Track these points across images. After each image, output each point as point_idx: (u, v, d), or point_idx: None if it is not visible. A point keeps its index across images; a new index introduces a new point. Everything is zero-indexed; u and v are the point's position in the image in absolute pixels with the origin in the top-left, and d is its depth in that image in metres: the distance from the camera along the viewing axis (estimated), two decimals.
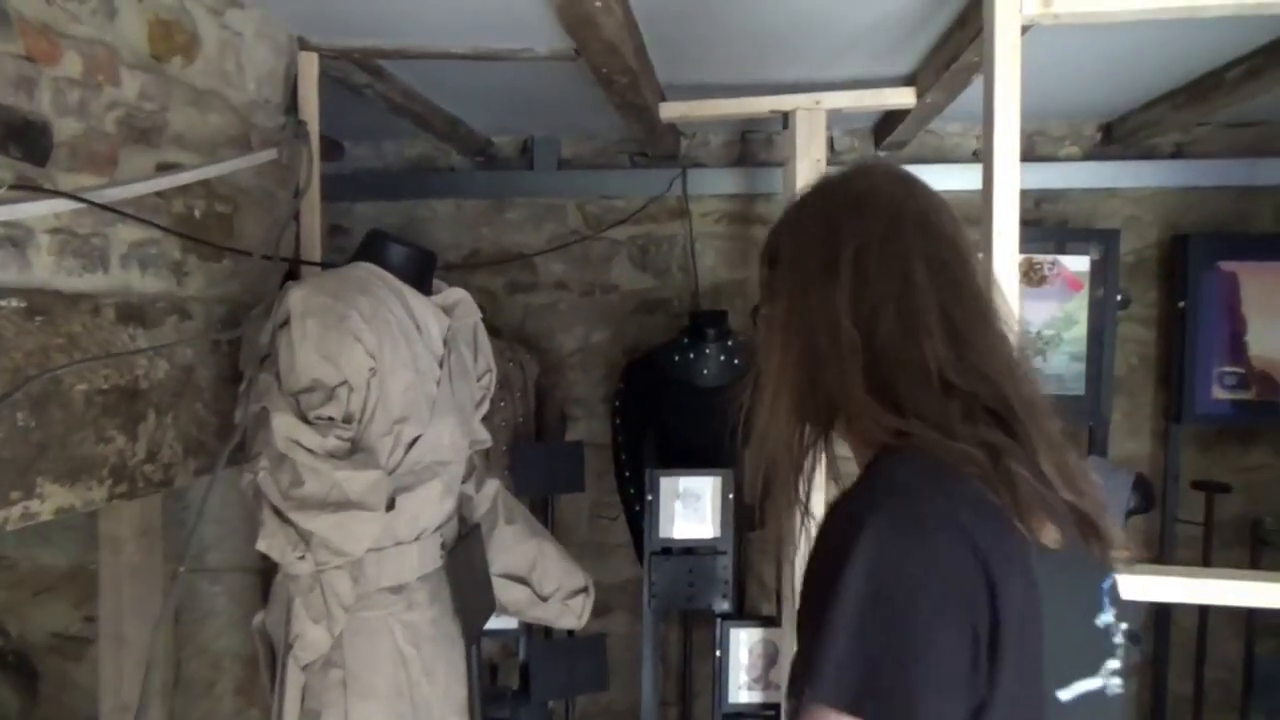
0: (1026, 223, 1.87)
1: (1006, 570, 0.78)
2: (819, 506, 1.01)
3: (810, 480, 1.04)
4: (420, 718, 1.74)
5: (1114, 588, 0.93)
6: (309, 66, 2.07)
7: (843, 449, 1.04)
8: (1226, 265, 2.95)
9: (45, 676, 2.89)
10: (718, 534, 2.48)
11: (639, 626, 2.49)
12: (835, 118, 2.74)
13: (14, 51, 1.32)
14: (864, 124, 3.15)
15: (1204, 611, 2.94)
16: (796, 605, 0.87)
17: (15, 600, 2.89)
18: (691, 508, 2.50)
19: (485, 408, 2.05)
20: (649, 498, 2.50)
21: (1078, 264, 2.97)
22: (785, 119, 2.52)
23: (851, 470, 0.96)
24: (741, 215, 3.27)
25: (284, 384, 1.57)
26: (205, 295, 1.77)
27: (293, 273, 1.99)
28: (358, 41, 2.12)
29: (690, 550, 2.50)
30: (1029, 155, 2.80)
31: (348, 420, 1.59)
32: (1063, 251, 2.98)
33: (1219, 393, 2.96)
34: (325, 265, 2.01)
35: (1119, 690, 0.89)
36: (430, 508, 1.77)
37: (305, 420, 1.55)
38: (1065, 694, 0.82)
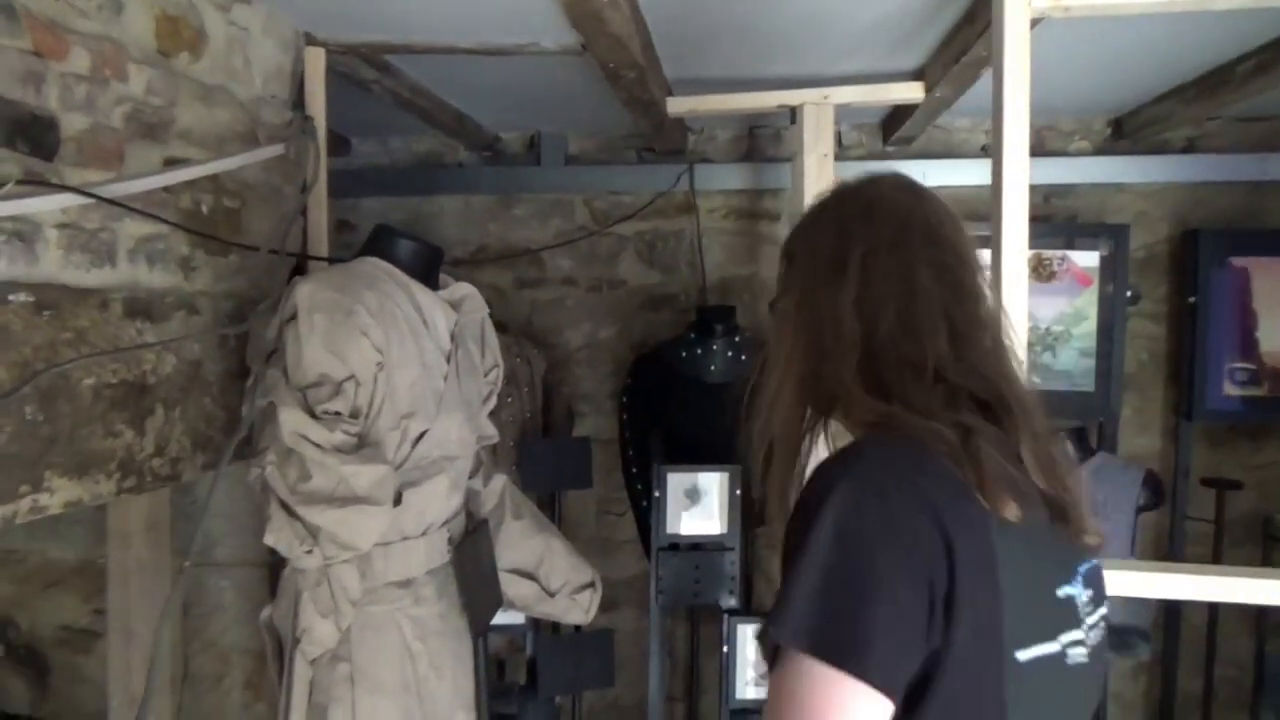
0: (1036, 218, 1.86)
1: (964, 535, 0.86)
2: None
3: (807, 458, 1.11)
4: (427, 712, 1.74)
5: (1093, 572, 1.02)
6: (316, 62, 2.07)
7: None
8: (1238, 261, 2.94)
9: (55, 669, 2.90)
10: (725, 530, 2.48)
11: (646, 622, 2.49)
12: (843, 113, 2.73)
13: (21, 47, 1.32)
14: (872, 119, 3.14)
15: (1214, 609, 2.92)
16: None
17: (25, 594, 2.91)
18: (699, 504, 2.50)
19: (492, 403, 2.05)
20: (656, 493, 2.50)
21: (1087, 259, 2.96)
22: (793, 114, 2.52)
23: None
24: (749, 211, 3.26)
25: (291, 379, 1.57)
26: (213, 290, 1.78)
27: (300, 268, 1.99)
28: (364, 36, 2.12)
29: (697, 546, 2.50)
30: (1038, 150, 2.80)
31: (355, 415, 1.59)
32: (1072, 247, 2.96)
33: (1230, 389, 2.94)
34: (332, 260, 2.01)
35: (1083, 660, 0.95)
36: (437, 503, 1.77)
37: (312, 415, 1.56)
38: (1023, 654, 0.89)
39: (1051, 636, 0.93)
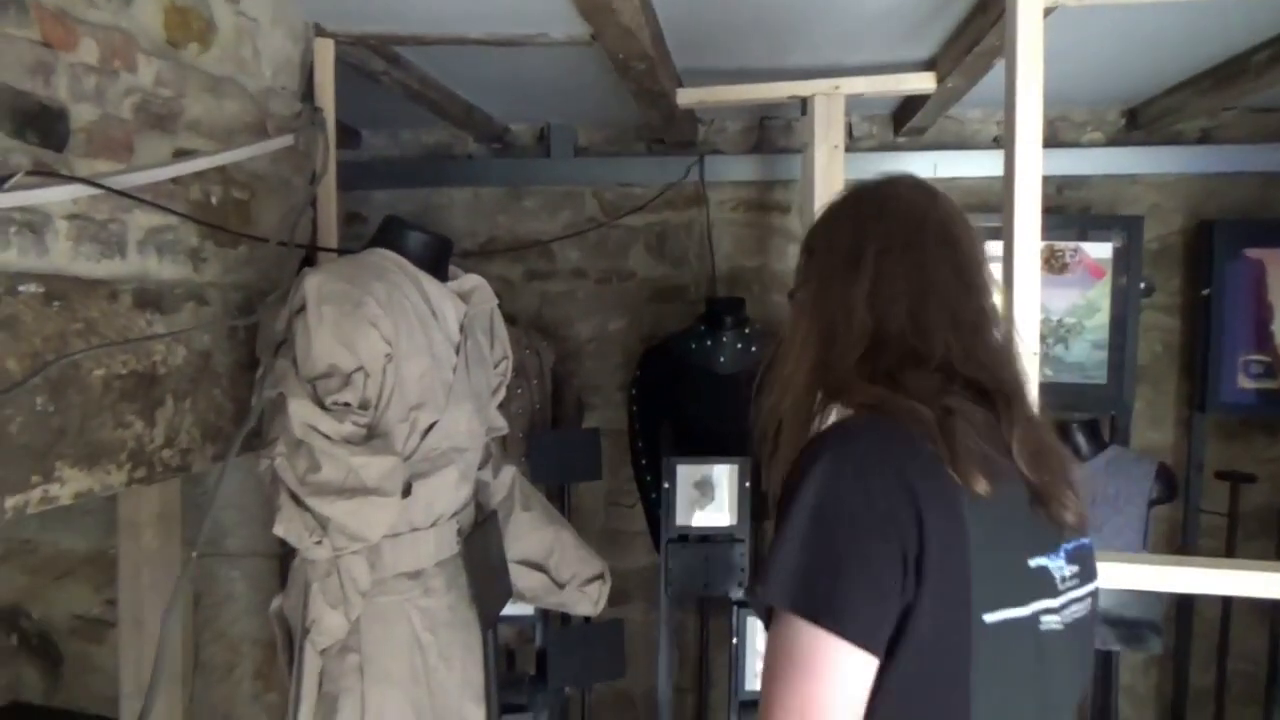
0: (1048, 210, 1.85)
1: (934, 506, 0.94)
2: None
3: None
4: (437, 703, 1.74)
5: (1079, 550, 1.09)
6: (325, 53, 2.06)
7: None
8: (1253, 252, 2.91)
9: (67, 659, 2.93)
10: (734, 522, 2.47)
11: (656, 614, 2.48)
12: (854, 103, 2.72)
13: (30, 37, 1.32)
14: (883, 110, 3.12)
15: (1227, 603, 2.91)
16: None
17: (38, 583, 2.93)
18: (708, 495, 2.50)
19: (502, 394, 2.05)
20: (666, 485, 2.50)
21: (1100, 251, 2.94)
22: (804, 105, 2.50)
23: None
24: (759, 202, 3.25)
25: (300, 370, 1.57)
26: (222, 281, 1.78)
27: (309, 259, 1.99)
28: (373, 28, 2.11)
29: (707, 538, 2.49)
30: (1051, 141, 2.78)
31: (364, 406, 1.59)
32: (1085, 239, 2.95)
33: (1244, 381, 2.92)
34: (342, 252, 2.01)
35: (1056, 628, 1.03)
36: (446, 494, 1.77)
37: (322, 406, 1.56)
38: (990, 617, 0.96)
39: (1021, 602, 0.99)
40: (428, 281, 1.76)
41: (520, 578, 2.07)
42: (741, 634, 2.38)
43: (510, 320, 3.05)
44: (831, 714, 0.92)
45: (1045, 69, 1.76)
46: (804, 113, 2.51)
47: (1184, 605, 2.97)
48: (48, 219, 1.37)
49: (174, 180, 1.62)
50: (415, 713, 1.69)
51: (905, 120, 2.97)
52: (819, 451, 1.01)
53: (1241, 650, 2.98)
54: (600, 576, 2.22)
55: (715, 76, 2.51)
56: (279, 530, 1.55)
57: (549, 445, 2.61)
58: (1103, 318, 2.94)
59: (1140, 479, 2.67)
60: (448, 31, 2.15)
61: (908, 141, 3.16)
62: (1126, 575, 1.84)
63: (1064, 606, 1.04)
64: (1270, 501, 3.00)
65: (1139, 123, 3.02)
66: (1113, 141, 3.09)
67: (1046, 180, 1.85)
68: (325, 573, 1.59)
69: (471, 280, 1.91)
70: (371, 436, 1.60)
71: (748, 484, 2.47)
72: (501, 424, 2.04)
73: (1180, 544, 2.99)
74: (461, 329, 1.82)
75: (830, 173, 2.43)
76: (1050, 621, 1.02)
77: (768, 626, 0.99)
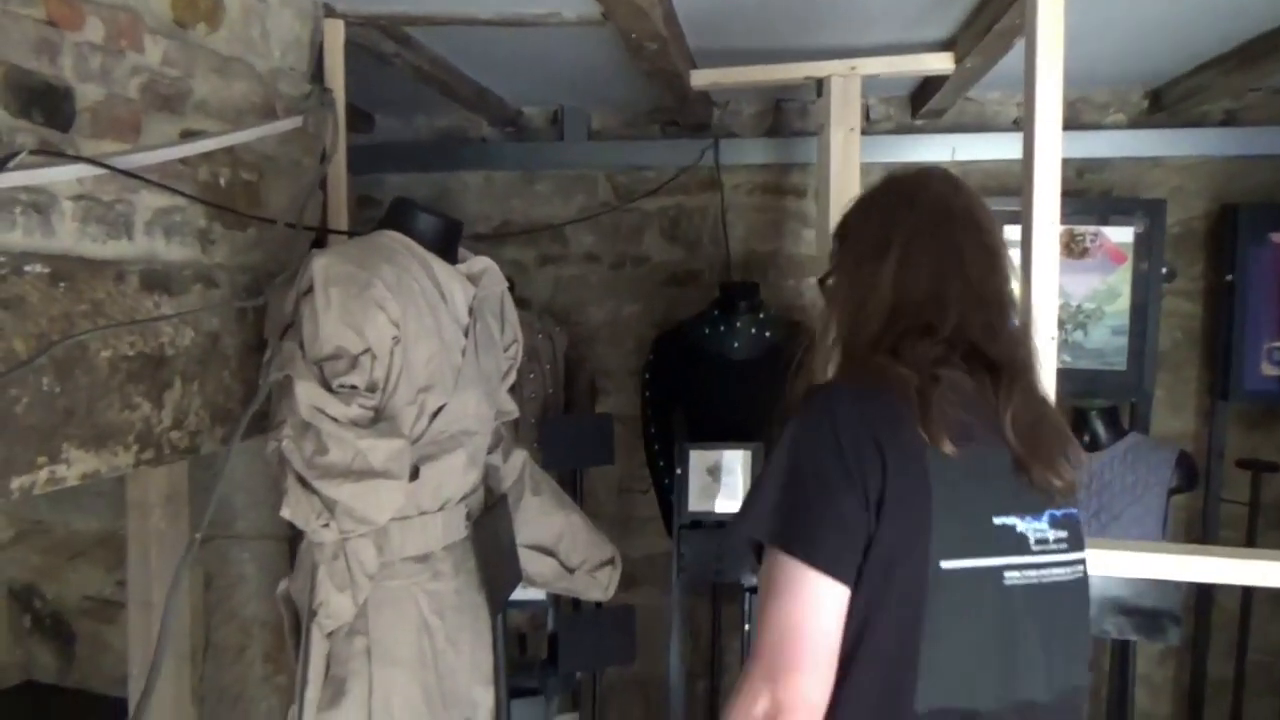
0: (1068, 193, 1.82)
1: (897, 457, 1.08)
2: None
3: None
4: (445, 686, 1.74)
5: (1067, 518, 1.18)
6: (334, 34, 2.05)
7: None
8: (1278, 237, 2.85)
9: (80, 639, 2.95)
10: None
11: (668, 600, 2.48)
12: (871, 85, 2.68)
13: (36, 16, 1.31)
14: (900, 92, 3.07)
15: (1247, 593, 2.87)
16: None
17: (51, 564, 2.96)
18: (721, 482, 2.48)
19: (512, 378, 2.03)
20: (679, 471, 2.48)
21: (1121, 235, 2.89)
22: (819, 86, 2.47)
23: None
24: (775, 186, 3.21)
25: (307, 352, 1.56)
26: (231, 263, 1.77)
27: (320, 241, 1.98)
28: (383, 8, 2.10)
29: (720, 524, 2.47)
30: (1071, 123, 2.73)
31: (371, 389, 1.58)
32: (1106, 223, 2.89)
33: (1268, 369, 2.87)
34: (351, 234, 2.00)
35: (1023, 583, 1.12)
36: (455, 478, 1.76)
37: (329, 388, 1.55)
38: (948, 564, 1.08)
39: (981, 554, 1.10)
40: (437, 264, 1.75)
41: (530, 563, 2.06)
42: (754, 620, 2.36)
43: (523, 305, 3.05)
44: (804, 629, 1.06)
45: (1066, 49, 1.72)
46: (820, 94, 2.48)
47: (1203, 595, 2.93)
48: (54, 199, 1.36)
49: (182, 161, 1.61)
50: (423, 695, 1.69)
51: (923, 102, 2.92)
52: (803, 406, 1.16)
53: (1261, 642, 2.94)
54: (611, 562, 2.21)
55: (729, 57, 2.48)
56: (286, 513, 1.55)
57: (561, 430, 2.60)
58: (1123, 303, 2.89)
59: (1160, 467, 2.63)
60: (458, 12, 2.13)
61: (925, 124, 3.12)
62: (1145, 564, 1.82)
63: (1041, 566, 1.14)
64: None
65: (1162, 104, 2.97)
66: (1135, 123, 3.04)
67: (1066, 163, 1.82)
68: (332, 555, 1.58)
69: (481, 262, 1.89)
70: (379, 419, 1.59)
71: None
72: (511, 408, 2.03)
73: (1200, 533, 2.95)
74: (471, 312, 1.81)
75: (847, 156, 2.39)
76: (1015, 577, 1.12)
77: (757, 564, 1.15)
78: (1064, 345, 2.82)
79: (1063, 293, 2.58)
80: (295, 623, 1.67)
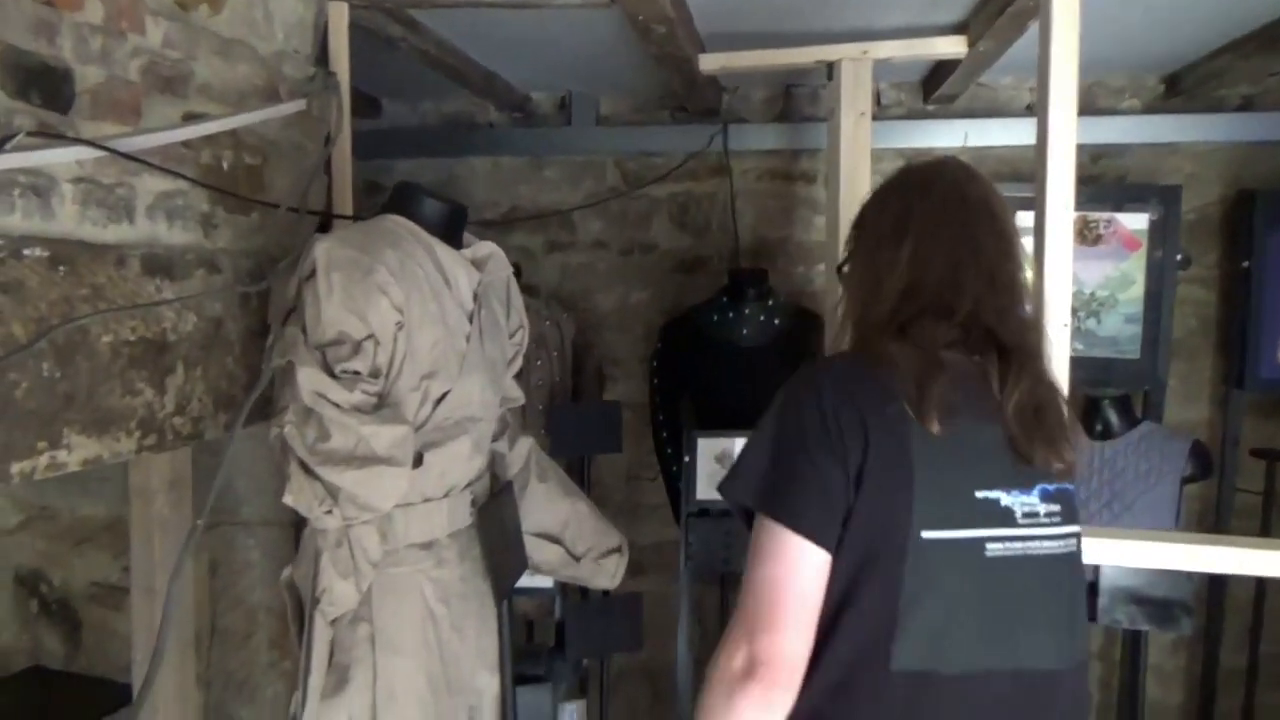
0: (1082, 179, 1.79)
1: (880, 431, 1.14)
2: None
3: None
4: (450, 673, 1.73)
5: (1060, 493, 1.22)
6: (339, 17, 2.02)
7: None
8: None
9: (86, 624, 2.96)
10: None
11: (676, 587, 2.47)
12: (882, 70, 2.65)
13: None
14: (912, 76, 3.04)
15: (1261, 584, 2.84)
16: None
17: (58, 550, 2.97)
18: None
19: (518, 365, 2.02)
20: (686, 459, 2.46)
21: (1135, 222, 2.85)
22: (830, 70, 2.43)
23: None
24: (784, 172, 3.18)
25: (310, 337, 1.54)
26: (234, 248, 1.76)
27: (324, 226, 1.97)
28: None
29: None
30: (1086, 108, 2.69)
31: (374, 375, 1.57)
32: (1120, 209, 2.86)
33: None
34: (356, 219, 1.98)
35: (1000, 553, 1.16)
36: (459, 465, 1.75)
37: (331, 374, 1.53)
38: (928, 534, 1.13)
39: (962, 526, 1.15)
40: (441, 249, 1.73)
41: (536, 550, 2.05)
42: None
43: (531, 292, 3.03)
44: (784, 590, 1.13)
45: (1081, 32, 1.69)
46: (830, 79, 2.45)
47: (1216, 585, 2.91)
48: (53, 182, 1.35)
49: (184, 144, 1.60)
50: (428, 683, 1.68)
51: (935, 87, 2.89)
52: (791, 380, 1.23)
53: (1275, 632, 2.91)
54: (618, 550, 2.19)
55: (739, 41, 2.45)
56: (289, 499, 1.54)
57: (569, 418, 2.58)
58: (1137, 291, 2.86)
59: (1173, 456, 2.59)
60: None
61: (937, 109, 3.08)
62: (1158, 554, 1.79)
63: (1029, 539, 1.18)
64: None
65: (1179, 89, 2.92)
66: (1150, 109, 3.00)
67: (1080, 149, 1.79)
68: (336, 543, 1.57)
69: (486, 248, 1.87)
70: (382, 405, 1.58)
71: None
72: (517, 394, 2.01)
73: (1214, 523, 2.92)
74: (476, 297, 1.79)
75: (857, 141, 2.36)
76: (998, 549, 1.16)
77: (747, 526, 1.21)
78: (1077, 333, 2.79)
79: (1076, 280, 2.53)
80: (299, 610, 1.66)
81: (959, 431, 1.15)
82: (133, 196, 1.50)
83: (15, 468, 1.27)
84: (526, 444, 2.06)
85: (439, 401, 1.68)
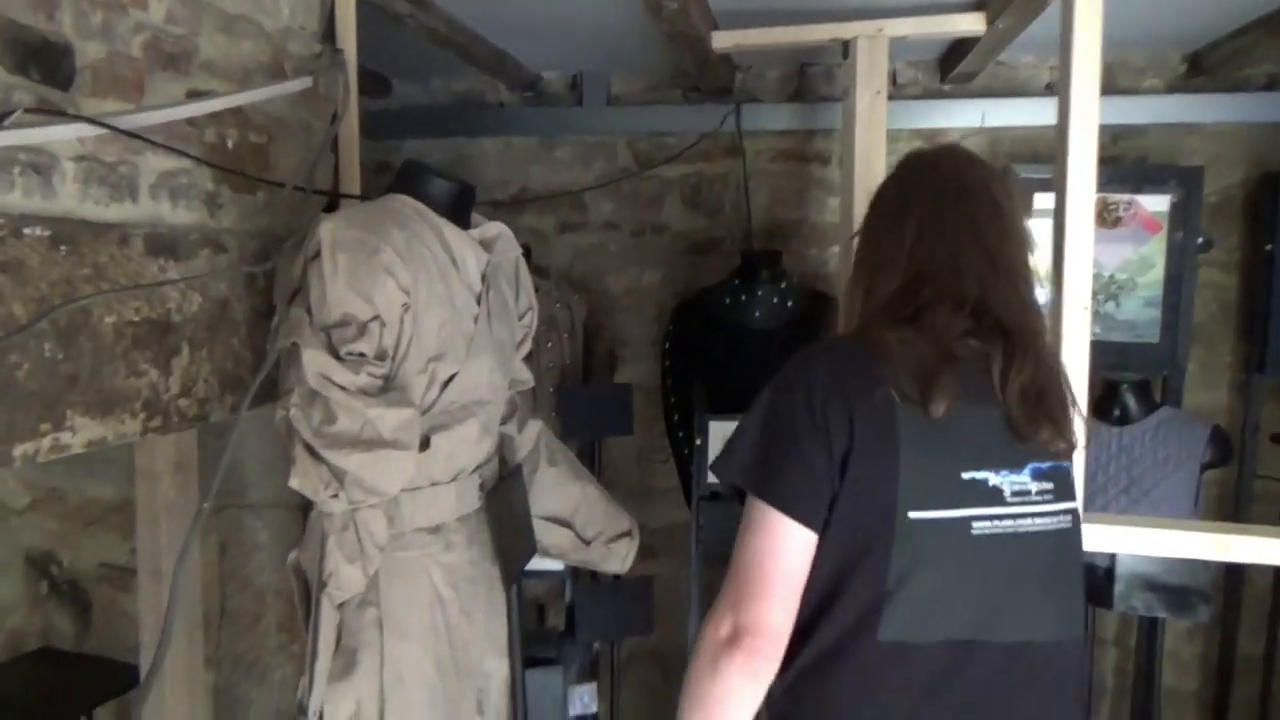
0: (1102, 160, 1.75)
1: (866, 415, 1.18)
2: None
3: None
4: (458, 657, 1.72)
5: (1055, 470, 1.25)
6: None
7: None
8: None
9: (96, 606, 2.97)
10: None
11: (686, 571, 2.45)
12: (899, 48, 2.60)
13: None
14: (929, 55, 2.99)
15: (1279, 572, 2.80)
16: None
17: (67, 531, 2.97)
18: None
19: (527, 347, 1.99)
20: (698, 442, 2.45)
21: (1156, 204, 2.80)
22: (845, 48, 2.39)
23: None
24: (798, 153, 3.14)
25: (315, 319, 1.52)
26: (239, 228, 1.73)
27: (331, 206, 1.94)
28: None
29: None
30: (1107, 88, 2.63)
31: (381, 357, 1.55)
32: (1140, 191, 2.81)
33: None
34: (362, 198, 1.96)
35: (987, 531, 1.20)
36: (467, 448, 1.73)
37: (337, 356, 1.51)
38: (915, 514, 1.17)
39: (948, 506, 1.18)
40: (448, 229, 1.70)
41: (546, 534, 2.03)
42: None
43: (541, 273, 3.00)
44: (770, 565, 1.18)
45: (1104, 9, 1.65)
46: (845, 57, 2.40)
47: (1234, 571, 2.87)
48: (54, 160, 1.33)
49: (188, 122, 1.57)
50: (436, 667, 1.67)
51: (952, 66, 2.84)
52: (783, 366, 1.27)
53: None
54: (628, 533, 2.17)
55: (752, 18, 2.41)
56: (294, 483, 1.52)
57: (580, 400, 2.56)
58: (1156, 274, 2.81)
59: (1192, 442, 2.56)
60: None
61: (954, 89, 3.03)
62: (1177, 542, 1.76)
63: (1018, 517, 1.21)
64: None
65: (1202, 68, 2.86)
66: (1172, 88, 2.94)
67: (1101, 129, 1.75)
68: (342, 526, 1.56)
69: (494, 228, 1.84)
70: (388, 388, 1.56)
71: None
72: (526, 377, 1.99)
73: (1233, 509, 2.88)
74: (484, 278, 1.77)
75: (872, 121, 2.32)
76: (985, 527, 1.20)
77: (739, 503, 1.26)
78: (1095, 317, 2.73)
79: (1094, 263, 2.50)
80: (305, 593, 1.65)
81: (952, 415, 1.19)
82: (135, 175, 1.48)
83: (18, 450, 1.25)
84: (536, 427, 2.04)
85: (446, 384, 1.65)
